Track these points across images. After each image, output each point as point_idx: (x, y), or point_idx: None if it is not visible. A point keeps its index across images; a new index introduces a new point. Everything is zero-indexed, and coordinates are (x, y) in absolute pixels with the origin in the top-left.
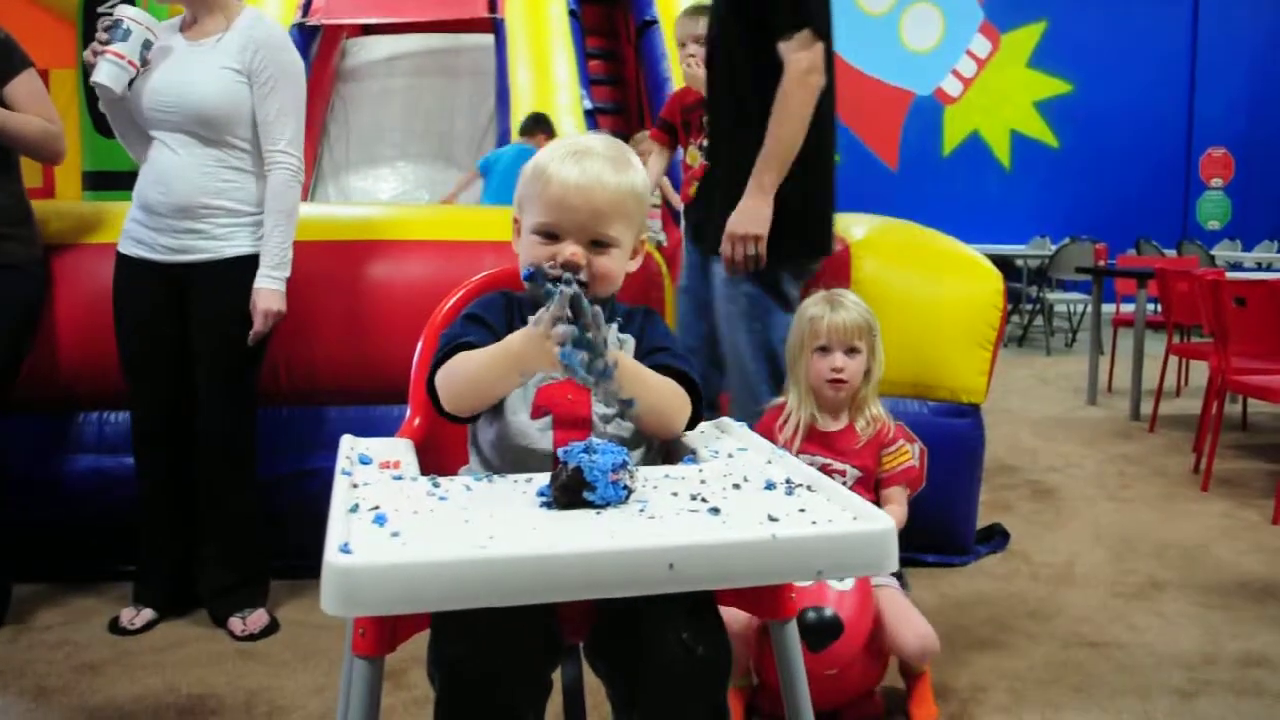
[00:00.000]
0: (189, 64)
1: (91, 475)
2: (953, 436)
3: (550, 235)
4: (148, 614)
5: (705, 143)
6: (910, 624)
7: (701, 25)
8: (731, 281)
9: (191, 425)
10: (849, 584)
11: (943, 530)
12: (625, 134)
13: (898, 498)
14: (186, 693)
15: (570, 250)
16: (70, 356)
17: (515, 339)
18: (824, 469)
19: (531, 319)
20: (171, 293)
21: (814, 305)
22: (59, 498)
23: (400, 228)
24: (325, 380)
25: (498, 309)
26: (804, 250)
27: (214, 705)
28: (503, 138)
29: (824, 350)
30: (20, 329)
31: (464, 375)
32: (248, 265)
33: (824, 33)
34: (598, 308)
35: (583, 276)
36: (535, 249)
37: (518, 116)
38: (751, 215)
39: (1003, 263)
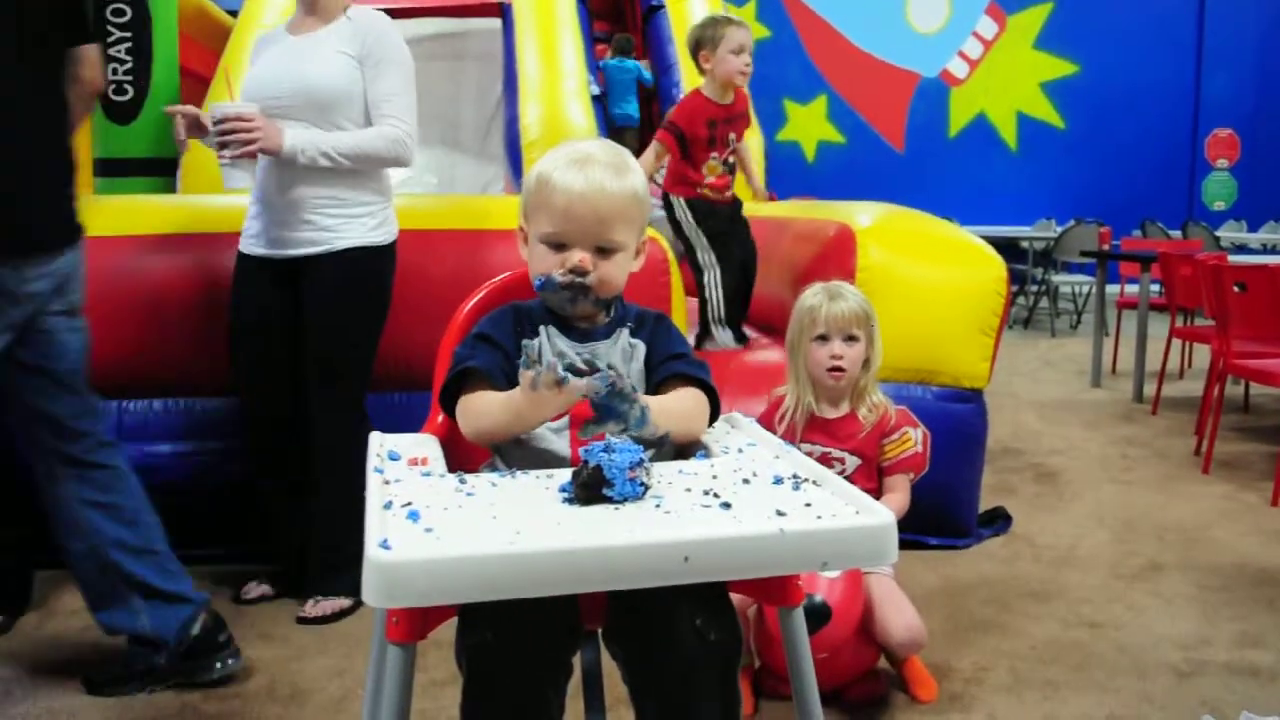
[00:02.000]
0: (300, 51)
1: None
2: (956, 421)
3: (558, 244)
4: (265, 589)
5: (730, 158)
6: (900, 614)
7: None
8: None
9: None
10: (838, 571)
11: (946, 513)
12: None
13: (900, 485)
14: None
15: (578, 257)
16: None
17: (520, 401)
18: (823, 457)
19: (527, 380)
20: (286, 288)
21: (812, 296)
22: None
23: (416, 217)
24: None
25: (506, 324)
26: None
27: (237, 689)
28: (511, 123)
29: (822, 339)
30: None
31: (479, 422)
32: (359, 258)
33: None
34: (614, 370)
35: (589, 280)
36: (545, 258)
37: (526, 101)
38: None
39: (1008, 245)
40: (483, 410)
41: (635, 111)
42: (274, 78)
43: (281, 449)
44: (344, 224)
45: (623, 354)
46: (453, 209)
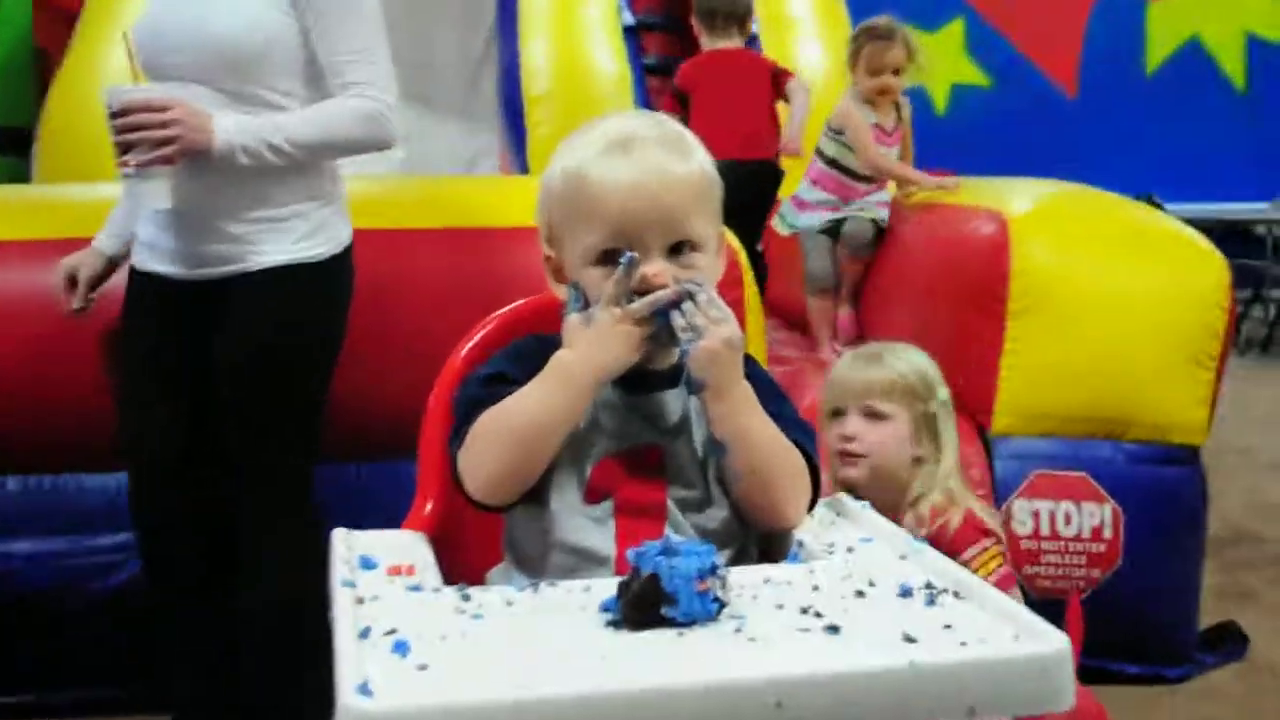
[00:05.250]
0: None
1: None
2: (1159, 493)
3: (615, 258)
4: None
5: None
6: None
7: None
8: None
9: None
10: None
11: (1149, 628)
12: (680, 56)
13: None
14: None
15: (652, 271)
16: None
17: (565, 354)
18: None
19: (577, 316)
20: (195, 320)
21: (844, 360)
22: None
23: (376, 211)
24: None
25: (531, 361)
26: None
27: None
28: (508, 71)
29: (837, 414)
30: None
31: (501, 434)
32: (286, 280)
33: None
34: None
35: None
36: (602, 284)
37: (529, 37)
38: None
39: (1236, 232)
40: (507, 411)
41: None
42: (168, 28)
43: (187, 547)
44: (264, 234)
45: (696, 408)
46: (427, 198)
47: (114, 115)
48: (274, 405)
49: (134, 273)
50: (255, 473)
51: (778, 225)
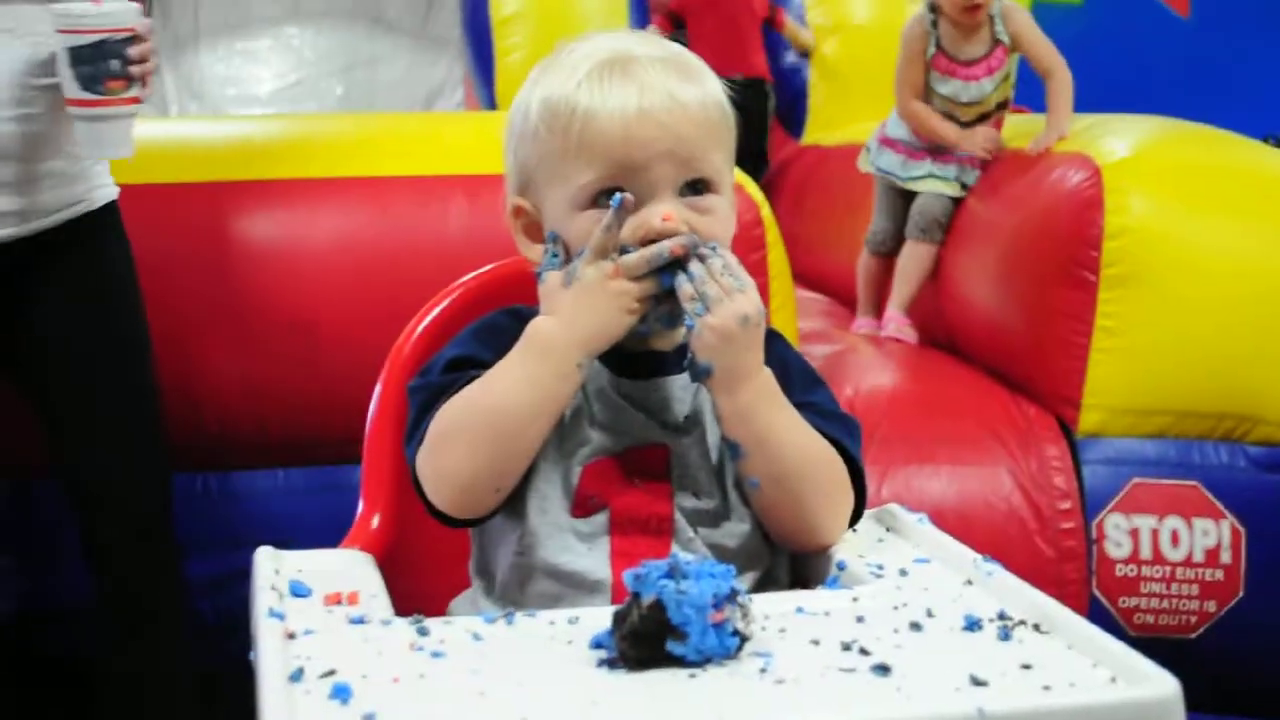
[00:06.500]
0: None
1: None
2: None
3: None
4: None
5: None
6: None
7: None
8: None
9: None
10: None
11: (1279, 678)
12: None
13: None
14: None
15: (660, 213)
16: None
17: (542, 321)
18: None
19: (556, 274)
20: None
21: None
22: None
23: (318, 157)
24: (205, 425)
25: (504, 340)
26: None
27: None
28: None
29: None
30: None
31: (470, 428)
32: (118, 219)
33: None
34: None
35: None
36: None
37: None
38: None
39: None
40: (474, 398)
41: None
42: None
43: None
44: (93, 166)
45: (710, 400)
46: (370, 139)
47: (121, 42)
48: (134, 382)
49: None
50: (112, 488)
51: (861, 162)
